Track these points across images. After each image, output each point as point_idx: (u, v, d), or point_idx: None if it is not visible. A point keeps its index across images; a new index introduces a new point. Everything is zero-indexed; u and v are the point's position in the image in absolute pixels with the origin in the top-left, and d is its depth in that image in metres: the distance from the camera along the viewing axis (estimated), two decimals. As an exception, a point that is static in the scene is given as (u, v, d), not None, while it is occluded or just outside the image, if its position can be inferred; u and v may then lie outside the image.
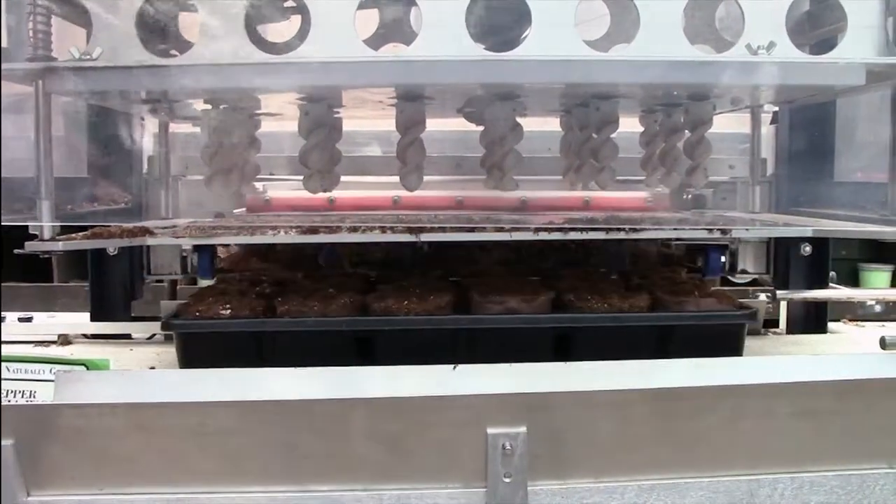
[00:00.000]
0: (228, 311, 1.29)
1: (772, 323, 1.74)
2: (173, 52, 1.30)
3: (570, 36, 1.13)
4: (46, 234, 1.18)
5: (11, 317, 1.63)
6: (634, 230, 1.26)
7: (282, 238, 1.24)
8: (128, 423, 0.99)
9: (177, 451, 1.01)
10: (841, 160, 1.73)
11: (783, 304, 1.74)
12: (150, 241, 1.26)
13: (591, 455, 1.03)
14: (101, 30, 1.16)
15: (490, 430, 0.99)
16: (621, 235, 1.26)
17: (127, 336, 1.67)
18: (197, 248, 1.52)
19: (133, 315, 1.68)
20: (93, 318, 1.67)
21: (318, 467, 1.01)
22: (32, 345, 1.59)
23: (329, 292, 1.34)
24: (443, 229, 1.26)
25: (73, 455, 1.00)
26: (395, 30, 1.55)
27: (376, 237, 1.24)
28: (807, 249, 1.70)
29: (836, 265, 1.73)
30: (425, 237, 1.23)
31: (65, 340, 1.62)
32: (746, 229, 1.38)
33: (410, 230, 1.23)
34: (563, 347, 1.30)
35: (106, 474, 1.01)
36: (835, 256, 1.75)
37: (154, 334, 1.66)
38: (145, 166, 1.77)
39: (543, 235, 1.25)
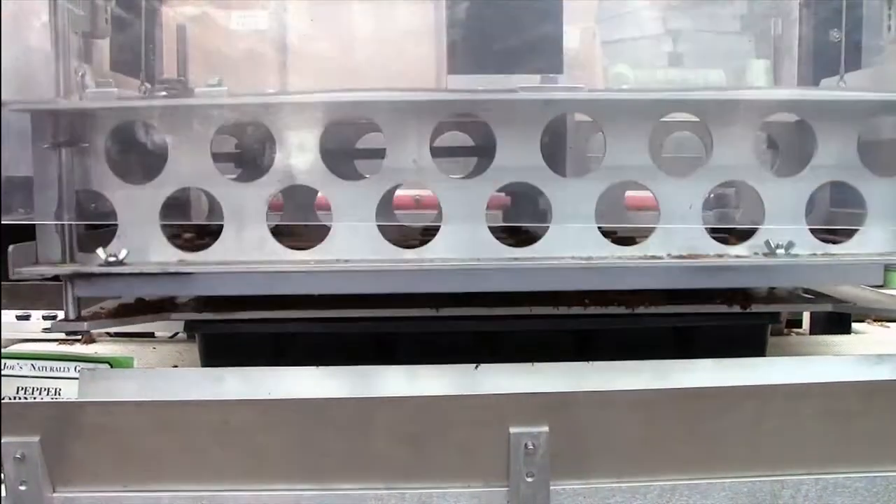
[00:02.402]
0: (250, 311, 1.30)
1: (795, 323, 1.72)
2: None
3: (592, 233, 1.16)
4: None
5: (36, 314, 1.65)
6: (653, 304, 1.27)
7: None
8: (151, 421, 1.00)
9: (199, 448, 1.01)
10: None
11: (806, 305, 1.72)
12: (173, 316, 1.27)
13: (613, 455, 1.03)
14: (127, 229, 1.15)
15: (512, 430, 0.99)
16: (640, 309, 1.26)
17: (150, 334, 1.68)
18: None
19: (156, 314, 1.69)
20: (116, 317, 1.68)
21: (339, 466, 1.01)
22: (57, 342, 1.61)
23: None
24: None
25: (98, 452, 1.01)
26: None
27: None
28: (831, 249, 1.68)
29: (860, 265, 1.71)
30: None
31: (89, 338, 1.63)
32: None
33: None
34: (585, 347, 1.30)
35: (130, 471, 1.01)
36: (860, 256, 1.73)
37: (177, 333, 1.67)
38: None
39: (563, 310, 1.26)
